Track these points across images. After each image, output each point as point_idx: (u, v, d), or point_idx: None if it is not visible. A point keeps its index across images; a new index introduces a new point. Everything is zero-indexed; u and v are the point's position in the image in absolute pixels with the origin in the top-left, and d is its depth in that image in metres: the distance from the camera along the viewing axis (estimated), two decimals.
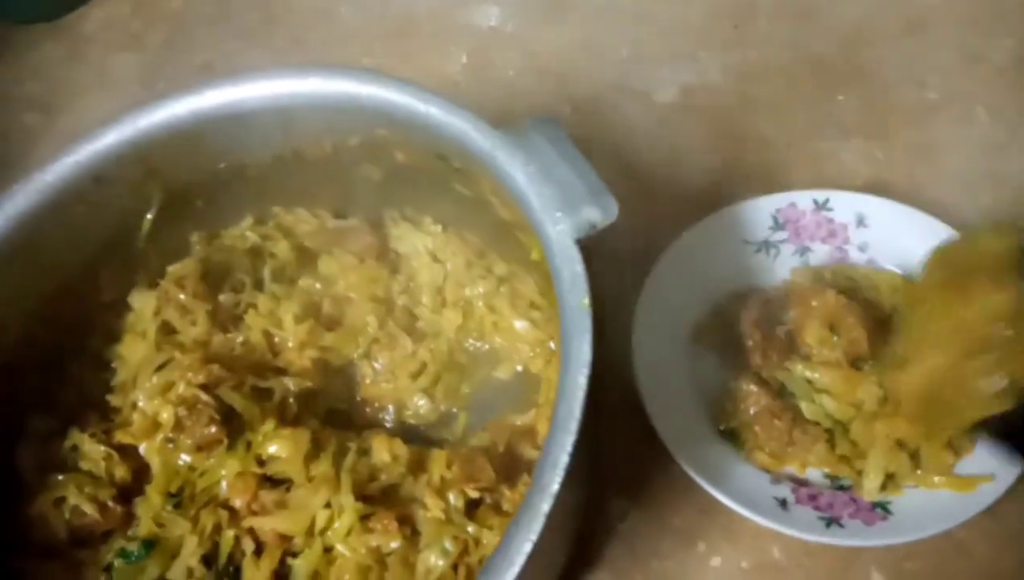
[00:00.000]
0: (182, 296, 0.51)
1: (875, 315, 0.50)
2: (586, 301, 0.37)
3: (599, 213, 0.39)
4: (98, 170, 0.47)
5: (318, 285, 0.55)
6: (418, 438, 0.52)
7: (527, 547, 0.33)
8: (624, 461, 0.53)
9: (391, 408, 0.54)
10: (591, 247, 0.58)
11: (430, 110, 0.42)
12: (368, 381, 0.54)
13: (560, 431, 0.35)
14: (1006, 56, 0.64)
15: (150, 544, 0.45)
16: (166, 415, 0.48)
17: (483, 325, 0.54)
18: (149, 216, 0.51)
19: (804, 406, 0.49)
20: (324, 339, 0.53)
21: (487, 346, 0.55)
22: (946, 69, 0.65)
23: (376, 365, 0.54)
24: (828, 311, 0.49)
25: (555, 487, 0.34)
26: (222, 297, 0.52)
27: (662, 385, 0.51)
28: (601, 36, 0.72)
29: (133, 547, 0.45)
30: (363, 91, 0.43)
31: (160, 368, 0.49)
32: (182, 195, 0.50)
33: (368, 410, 0.54)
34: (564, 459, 0.34)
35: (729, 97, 0.67)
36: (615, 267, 0.59)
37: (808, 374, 0.49)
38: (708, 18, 0.72)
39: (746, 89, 0.68)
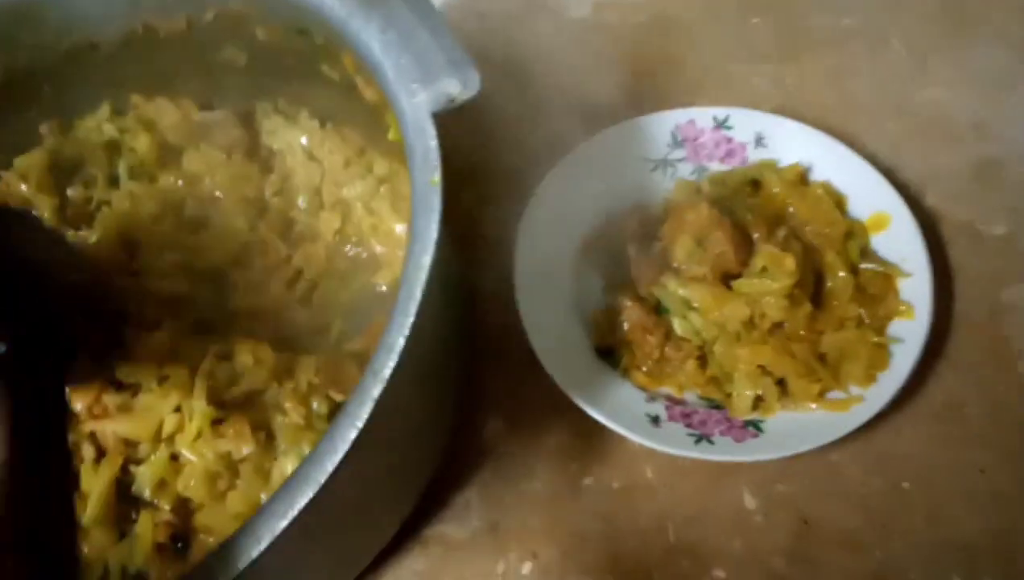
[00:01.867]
0: (24, 188, 0.47)
1: (745, 228, 0.48)
2: (437, 178, 0.34)
3: (458, 85, 0.35)
4: None
5: (180, 183, 0.51)
6: (291, 347, 0.50)
7: (352, 434, 0.31)
8: (503, 381, 0.51)
9: (266, 319, 0.51)
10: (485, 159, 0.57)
11: None
12: (240, 290, 0.51)
13: (399, 313, 0.32)
14: None
15: None
16: None
17: (362, 229, 0.51)
18: None
19: (676, 322, 0.47)
20: (187, 241, 0.50)
21: (366, 252, 0.52)
22: None
23: (248, 273, 0.51)
24: (699, 224, 0.47)
25: (387, 372, 0.31)
26: (71, 191, 0.49)
27: (543, 301, 0.49)
28: None
29: None
30: None
31: None
32: (25, 77, 0.46)
33: (243, 322, 0.51)
34: (400, 342, 0.32)
35: (644, 15, 0.65)
36: (512, 183, 0.57)
37: (681, 290, 0.47)
38: None
39: (662, 8, 0.65)
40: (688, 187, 0.52)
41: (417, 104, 0.36)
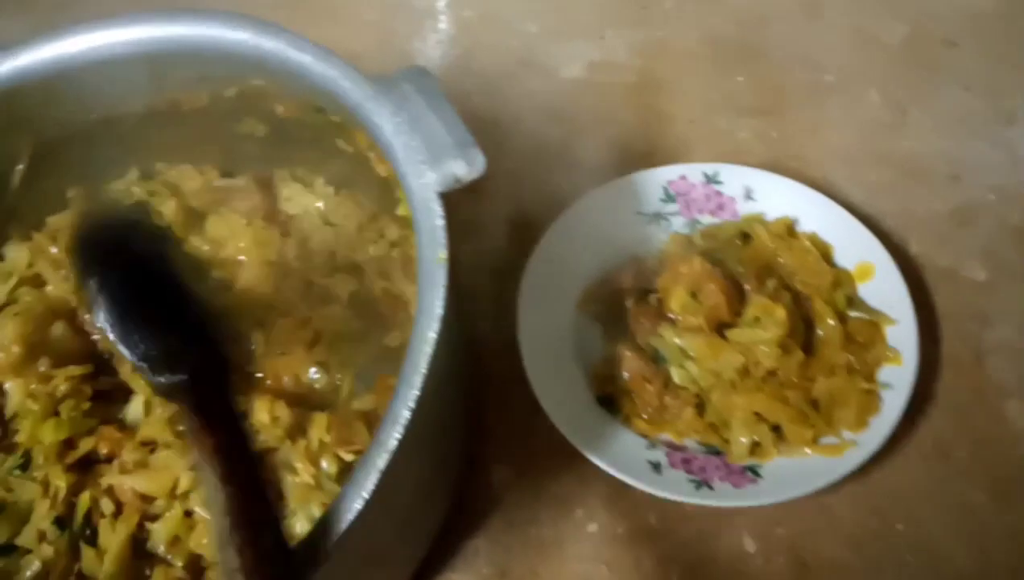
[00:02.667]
0: (54, 249, 0.49)
1: (736, 279, 0.50)
2: (443, 255, 0.35)
3: (464, 166, 0.37)
4: None
5: (206, 247, 0.53)
6: (304, 405, 0.51)
7: (358, 505, 0.31)
8: (509, 430, 0.52)
9: (285, 380, 0.52)
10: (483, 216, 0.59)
11: (302, 58, 0.40)
12: (261, 351, 0.52)
13: (404, 386, 0.33)
14: (898, 39, 0.65)
15: None
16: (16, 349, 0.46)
17: (374, 291, 0.53)
18: (19, 168, 0.48)
19: (674, 371, 0.48)
20: (214, 303, 0.51)
21: (379, 313, 0.53)
22: (841, 51, 0.65)
23: (271, 334, 0.52)
24: (693, 277, 0.49)
25: (393, 443, 0.32)
26: None
27: (545, 352, 0.50)
28: (510, 10, 0.72)
29: None
30: (233, 36, 0.41)
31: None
32: (54, 147, 0.47)
33: (267, 382, 0.52)
34: (405, 414, 0.32)
35: (632, 75, 0.67)
36: (510, 237, 0.59)
37: (677, 340, 0.49)
38: None
39: (649, 67, 0.67)
40: (681, 240, 0.54)
41: (425, 184, 0.37)
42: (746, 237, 0.53)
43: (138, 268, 0.40)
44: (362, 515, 0.32)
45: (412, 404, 0.33)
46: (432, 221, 0.36)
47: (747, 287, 0.49)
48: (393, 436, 0.32)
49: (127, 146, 0.50)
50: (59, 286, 0.49)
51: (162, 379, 0.37)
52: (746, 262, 0.50)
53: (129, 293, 0.39)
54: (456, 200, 0.61)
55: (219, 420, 0.36)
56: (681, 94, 0.65)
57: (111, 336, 0.38)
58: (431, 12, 0.71)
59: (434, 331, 0.34)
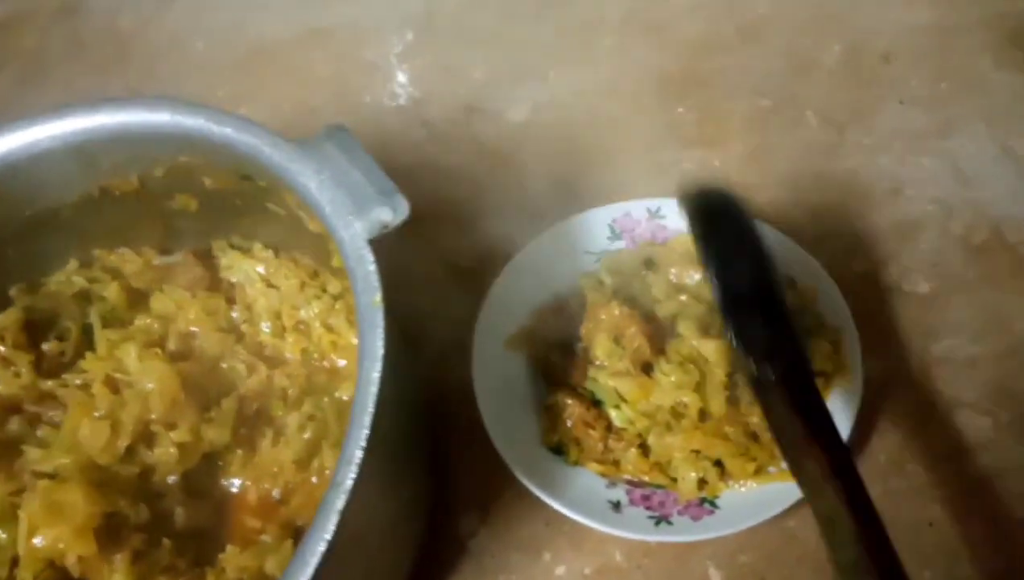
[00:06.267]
0: (2, 348, 0.50)
1: (655, 316, 0.52)
2: (378, 298, 0.38)
3: (390, 213, 0.40)
4: None
5: (156, 324, 0.54)
6: None
7: (321, 547, 0.33)
8: (473, 478, 0.54)
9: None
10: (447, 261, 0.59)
11: (224, 130, 0.43)
12: (240, 411, 0.53)
13: (355, 426, 0.36)
14: (833, 61, 0.68)
15: None
16: None
17: (322, 345, 0.54)
18: None
19: (613, 414, 0.50)
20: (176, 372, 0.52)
21: (329, 366, 0.54)
22: (778, 76, 0.68)
23: (241, 398, 0.53)
24: (613, 323, 0.51)
25: (349, 483, 0.34)
26: (46, 346, 0.51)
27: (500, 399, 0.52)
28: (457, 59, 0.74)
29: None
30: (156, 119, 0.44)
31: None
32: None
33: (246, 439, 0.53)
34: (358, 454, 0.35)
35: (578, 113, 0.70)
36: (463, 285, 0.60)
37: (611, 382, 0.50)
38: (558, 37, 0.74)
39: (594, 105, 0.70)
40: (593, 282, 0.56)
41: (354, 234, 0.40)
42: (650, 263, 0.54)
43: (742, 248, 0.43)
44: (325, 560, 0.33)
45: (364, 443, 0.35)
46: (365, 267, 0.39)
47: (665, 323, 0.50)
48: (349, 476, 0.34)
49: (64, 237, 0.52)
50: (10, 384, 0.50)
51: (758, 370, 0.40)
52: (659, 294, 0.52)
53: (736, 277, 0.42)
54: (412, 249, 0.63)
55: (817, 424, 0.38)
56: (625, 130, 0.68)
57: (725, 318, 0.41)
58: (382, 65, 0.74)
59: (377, 371, 0.37)
